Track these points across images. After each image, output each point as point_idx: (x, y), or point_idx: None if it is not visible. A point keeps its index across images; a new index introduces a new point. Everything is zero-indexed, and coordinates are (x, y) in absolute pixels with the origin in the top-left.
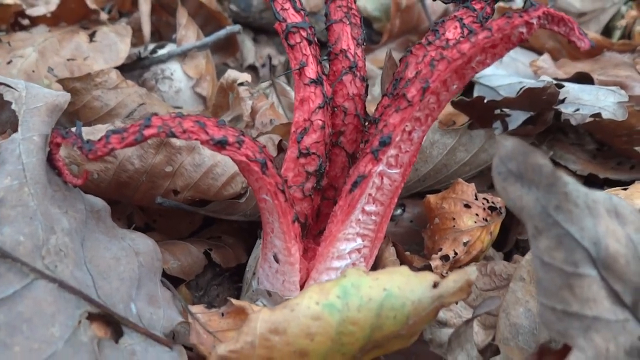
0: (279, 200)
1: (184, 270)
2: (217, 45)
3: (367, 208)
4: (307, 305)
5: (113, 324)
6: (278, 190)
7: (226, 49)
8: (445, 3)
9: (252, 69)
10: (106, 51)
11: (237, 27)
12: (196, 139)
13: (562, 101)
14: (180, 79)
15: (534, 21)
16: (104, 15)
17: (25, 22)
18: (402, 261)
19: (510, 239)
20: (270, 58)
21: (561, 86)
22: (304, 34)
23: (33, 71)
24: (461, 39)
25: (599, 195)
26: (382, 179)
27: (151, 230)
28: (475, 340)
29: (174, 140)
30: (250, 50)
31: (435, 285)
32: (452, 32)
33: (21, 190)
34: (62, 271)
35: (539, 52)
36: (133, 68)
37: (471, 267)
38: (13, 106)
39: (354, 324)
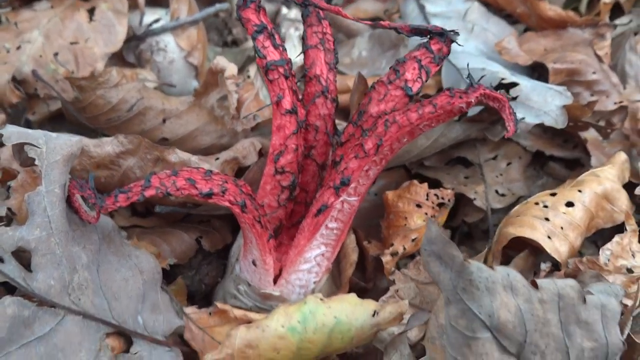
0: (256, 229)
1: (179, 256)
2: None
3: (329, 225)
4: (275, 328)
5: (124, 336)
6: (255, 222)
7: None
8: (408, 37)
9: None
10: (105, 32)
11: (225, 6)
12: (188, 194)
13: (515, 99)
14: (174, 51)
15: (473, 100)
16: None
17: None
18: (361, 248)
19: (457, 219)
20: None
21: (515, 84)
22: (281, 70)
23: (40, 56)
24: (411, 106)
25: (498, 275)
26: (342, 204)
27: (151, 215)
28: (409, 336)
29: (169, 156)
30: None
31: (375, 314)
32: (410, 72)
33: (49, 240)
34: (84, 302)
35: (510, 16)
36: (130, 40)
37: (404, 302)
38: (37, 162)
39: (310, 342)
